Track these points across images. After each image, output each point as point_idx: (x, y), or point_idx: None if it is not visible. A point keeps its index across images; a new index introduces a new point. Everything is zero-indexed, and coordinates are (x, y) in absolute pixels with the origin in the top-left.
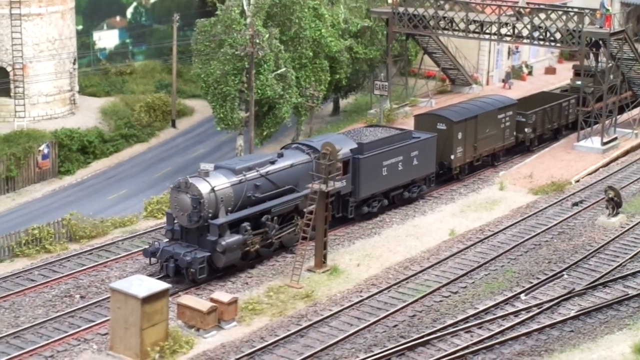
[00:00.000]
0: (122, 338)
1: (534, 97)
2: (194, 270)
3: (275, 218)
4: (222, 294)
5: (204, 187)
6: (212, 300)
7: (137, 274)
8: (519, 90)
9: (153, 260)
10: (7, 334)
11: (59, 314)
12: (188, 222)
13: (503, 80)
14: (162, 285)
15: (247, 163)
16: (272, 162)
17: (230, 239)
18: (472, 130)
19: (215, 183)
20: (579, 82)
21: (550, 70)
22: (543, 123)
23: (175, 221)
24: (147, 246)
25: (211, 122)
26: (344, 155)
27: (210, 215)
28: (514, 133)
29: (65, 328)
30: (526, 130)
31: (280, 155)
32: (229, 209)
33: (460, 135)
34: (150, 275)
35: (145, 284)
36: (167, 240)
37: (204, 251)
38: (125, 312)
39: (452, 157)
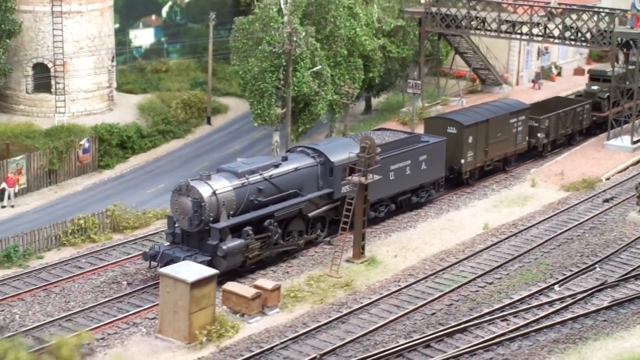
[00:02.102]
0: (170, 321)
1: (548, 102)
2: None
3: (277, 223)
4: (265, 281)
5: (205, 191)
6: (256, 287)
7: (186, 260)
8: (549, 90)
9: (153, 263)
10: (59, 317)
11: (107, 299)
12: (189, 226)
13: (533, 81)
14: (210, 270)
15: (250, 166)
16: (276, 166)
17: (232, 243)
18: (483, 134)
19: (217, 186)
20: (594, 87)
21: (579, 72)
22: (557, 128)
23: (176, 224)
24: (147, 250)
25: (245, 119)
26: (350, 159)
27: (211, 219)
28: (527, 138)
29: (114, 312)
30: (539, 135)
31: (285, 159)
32: (231, 212)
33: (470, 140)
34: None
35: (193, 269)
36: (168, 243)
37: (205, 255)
38: (174, 296)
39: (462, 161)
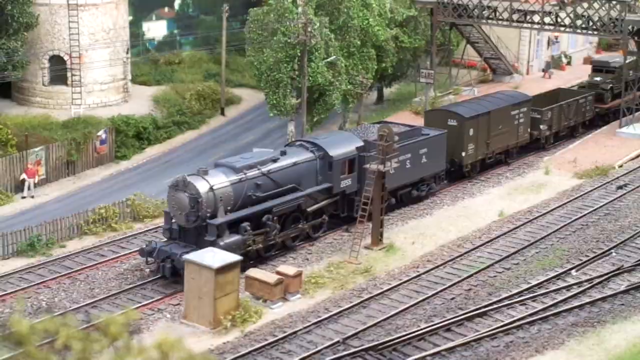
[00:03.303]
0: (195, 307)
1: (550, 94)
2: None
3: (276, 218)
4: (287, 267)
5: (202, 186)
6: (278, 273)
7: (210, 247)
8: (559, 79)
9: (150, 260)
10: (85, 304)
11: (131, 286)
12: (186, 222)
13: (543, 70)
14: (234, 257)
15: (248, 161)
16: (274, 160)
17: (229, 239)
18: (485, 126)
19: (214, 182)
20: (597, 78)
21: (588, 60)
22: (559, 120)
23: (173, 220)
24: (144, 245)
25: (259, 110)
26: (350, 153)
27: (208, 214)
28: (529, 130)
29: (138, 299)
30: (541, 127)
31: (283, 153)
32: (229, 208)
33: (471, 132)
34: (147, 275)
35: (218, 256)
36: (165, 239)
37: None
38: (199, 282)
39: (464, 154)
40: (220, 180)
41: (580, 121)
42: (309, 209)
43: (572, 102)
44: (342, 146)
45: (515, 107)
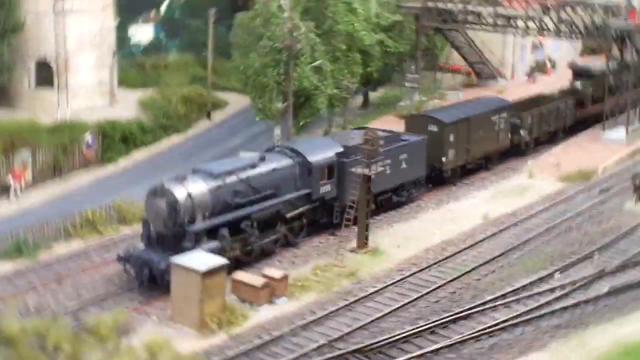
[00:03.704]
0: (182, 310)
1: (531, 99)
2: (168, 278)
3: (255, 224)
4: (273, 271)
5: (180, 193)
6: (264, 276)
7: (198, 250)
8: (544, 84)
9: (128, 266)
10: (72, 307)
11: (118, 289)
12: (164, 229)
13: (528, 74)
14: (221, 260)
15: (226, 167)
16: (253, 167)
17: (207, 245)
18: (465, 132)
19: (192, 188)
20: (578, 84)
21: (572, 65)
22: (539, 126)
23: (151, 227)
24: (120, 252)
25: (244, 114)
26: (329, 159)
27: (186, 221)
28: (509, 135)
29: (125, 302)
30: (522, 132)
31: (262, 159)
32: (207, 214)
33: (452, 138)
34: (126, 281)
35: (204, 260)
36: (144, 246)
37: None
38: (185, 285)
39: (444, 159)
40: (198, 187)
41: (560, 127)
42: (288, 215)
43: (553, 108)
44: (321, 152)
45: (496, 112)
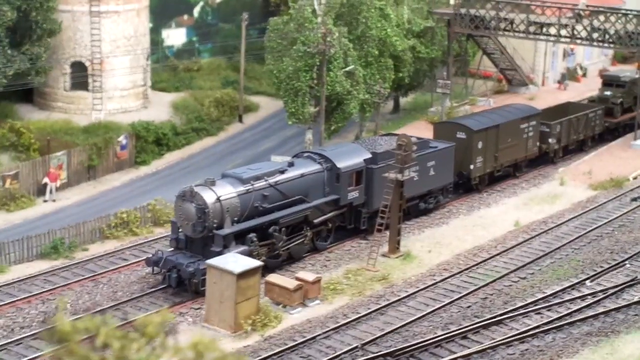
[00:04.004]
0: (217, 311)
1: (559, 108)
2: (197, 282)
3: (283, 229)
4: (306, 274)
5: (209, 197)
6: (297, 279)
7: (232, 252)
8: (574, 91)
9: (156, 269)
10: (108, 307)
11: (153, 289)
12: (192, 232)
13: (558, 82)
14: (255, 262)
15: (255, 172)
16: (282, 172)
17: (235, 250)
18: (493, 139)
19: (221, 192)
20: (607, 93)
21: (603, 72)
22: (568, 134)
23: (180, 230)
24: (150, 255)
25: (276, 117)
26: (357, 165)
27: (215, 225)
28: (537, 143)
29: (160, 302)
30: (550, 140)
31: (291, 165)
32: (235, 219)
33: (480, 145)
34: (154, 285)
35: (239, 261)
36: (172, 249)
37: None
38: (220, 286)
39: (472, 167)
40: (227, 191)
41: (589, 135)
42: (315, 221)
43: (582, 116)
44: (349, 158)
45: (525, 120)
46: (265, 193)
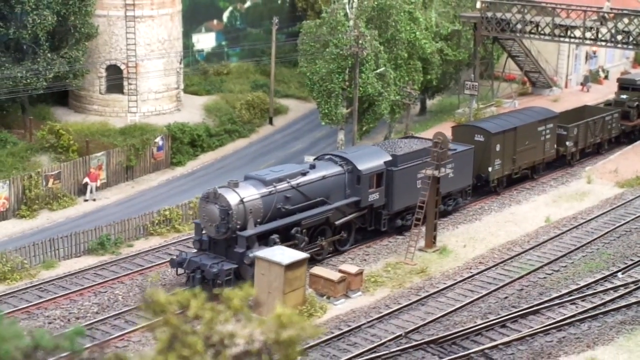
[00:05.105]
0: (264, 302)
1: (576, 111)
2: (220, 282)
3: (304, 230)
4: (349, 266)
5: (232, 198)
6: (340, 271)
7: (279, 245)
8: (597, 93)
9: (180, 270)
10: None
11: None
12: (216, 233)
13: (581, 84)
14: (302, 254)
15: (277, 174)
16: (304, 174)
17: (258, 251)
18: (511, 142)
19: (244, 194)
20: (623, 96)
21: (625, 75)
22: (585, 137)
23: (204, 231)
24: (174, 256)
25: (305, 119)
26: (378, 167)
27: (238, 226)
28: (555, 146)
29: (210, 293)
30: (567, 143)
31: (313, 167)
32: (258, 220)
33: (498, 148)
34: (179, 286)
35: (286, 253)
36: (195, 250)
37: (232, 263)
38: (269, 277)
39: (490, 169)
40: (250, 193)
41: (606, 138)
42: (337, 222)
43: (598, 119)
44: (370, 160)
45: (542, 123)
46: (288, 195)
